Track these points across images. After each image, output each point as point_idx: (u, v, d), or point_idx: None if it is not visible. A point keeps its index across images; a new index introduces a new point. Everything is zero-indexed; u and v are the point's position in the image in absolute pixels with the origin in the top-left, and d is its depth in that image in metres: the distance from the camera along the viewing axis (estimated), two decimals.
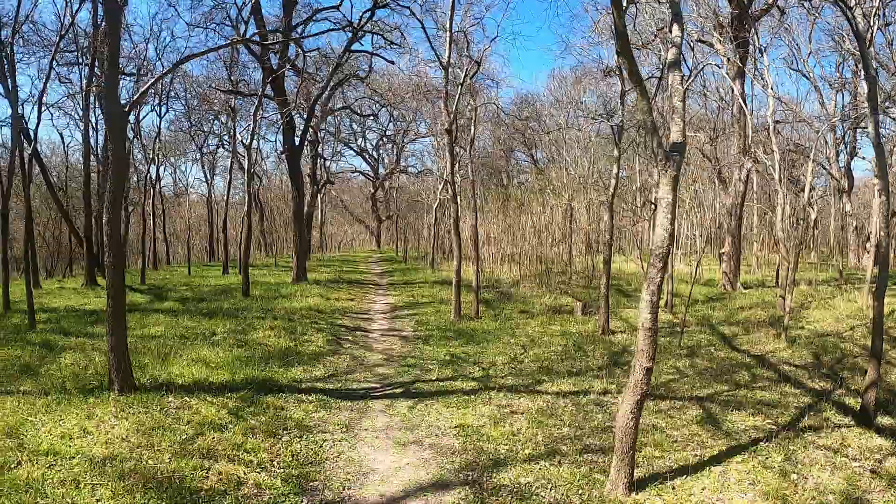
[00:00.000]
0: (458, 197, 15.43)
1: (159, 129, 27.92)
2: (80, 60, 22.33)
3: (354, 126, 49.84)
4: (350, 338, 12.48)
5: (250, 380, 8.81)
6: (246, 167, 19.81)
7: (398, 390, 8.89)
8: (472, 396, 8.40)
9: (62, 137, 70.23)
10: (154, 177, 30.62)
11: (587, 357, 10.83)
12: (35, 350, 10.35)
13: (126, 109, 9.08)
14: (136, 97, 11.98)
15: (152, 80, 14.24)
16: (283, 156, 22.43)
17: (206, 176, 37.04)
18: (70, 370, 9.17)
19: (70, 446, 5.96)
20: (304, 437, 6.83)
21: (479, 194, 31.56)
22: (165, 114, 39.51)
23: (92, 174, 22.85)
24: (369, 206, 57.31)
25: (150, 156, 27.95)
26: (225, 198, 32.09)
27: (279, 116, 22.40)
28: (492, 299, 17.57)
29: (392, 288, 21.48)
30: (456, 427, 7.19)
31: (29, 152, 18.56)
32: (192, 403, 7.59)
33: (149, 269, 33.19)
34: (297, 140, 22.49)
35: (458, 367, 10.16)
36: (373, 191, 54.66)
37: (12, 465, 5.47)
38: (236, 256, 42.65)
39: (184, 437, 6.40)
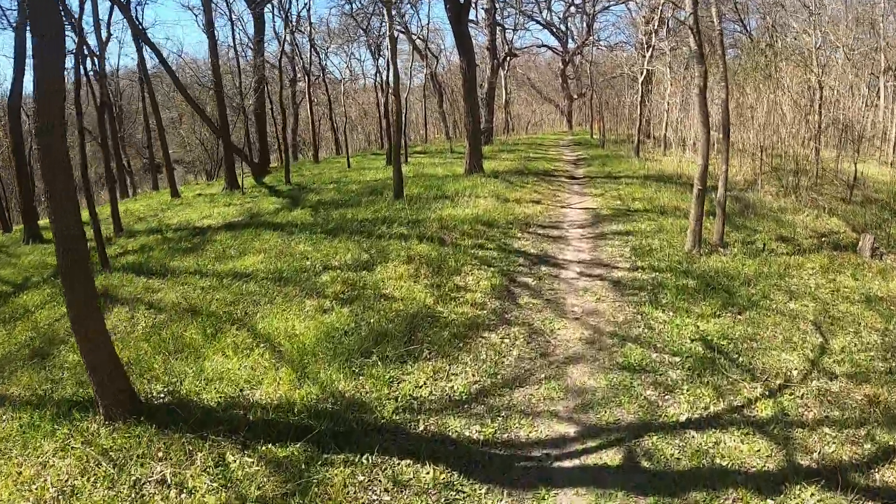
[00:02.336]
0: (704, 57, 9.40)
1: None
2: None
3: None
4: (529, 282, 7.91)
5: (321, 410, 4.91)
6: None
7: (609, 456, 4.33)
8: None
9: None
10: (310, 64, 27.95)
11: None
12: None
13: None
14: None
15: None
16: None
17: (372, 56, 33.53)
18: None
19: None
20: None
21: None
22: None
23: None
24: (559, 84, 50.62)
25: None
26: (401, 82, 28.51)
27: None
28: (730, 212, 11.76)
29: (591, 183, 16.24)
30: None
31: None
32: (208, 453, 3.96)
33: (309, 161, 31.91)
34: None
35: (720, 379, 5.25)
36: (562, 66, 47.90)
37: None
38: (413, 143, 40.39)
39: None
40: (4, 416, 5.53)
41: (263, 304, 7.60)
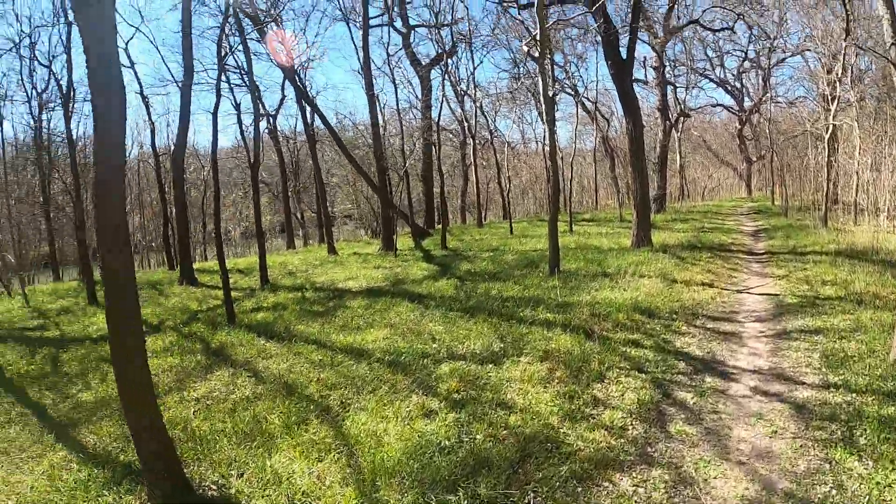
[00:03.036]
0: None
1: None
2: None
3: (709, 52, 39.97)
4: (688, 398, 5.95)
5: None
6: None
7: None
8: None
9: None
10: (475, 126, 27.90)
11: None
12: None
13: None
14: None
15: None
16: (612, 76, 16.16)
17: (541, 119, 32.97)
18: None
19: None
20: None
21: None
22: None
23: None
24: (735, 146, 46.46)
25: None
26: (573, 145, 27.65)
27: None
28: None
29: (773, 261, 13.51)
30: None
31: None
32: None
33: (472, 225, 31.44)
34: (623, 53, 15.93)
35: None
36: (739, 127, 44.04)
37: None
38: (584, 209, 38.76)
39: None
40: (69, 466, 5.57)
41: (365, 393, 6.56)
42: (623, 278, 11.57)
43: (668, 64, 31.79)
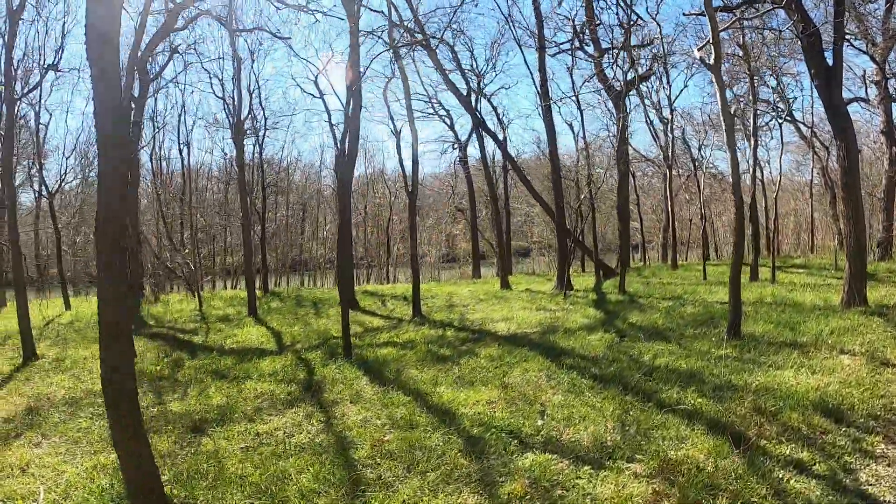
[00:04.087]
0: None
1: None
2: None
3: None
4: None
5: None
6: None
7: None
8: None
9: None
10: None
11: None
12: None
13: None
14: None
15: None
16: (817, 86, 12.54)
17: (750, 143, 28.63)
18: None
19: None
20: None
21: None
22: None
23: None
24: None
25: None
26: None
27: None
28: None
29: None
30: None
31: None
32: None
33: (668, 266, 27.91)
34: (829, 58, 12.35)
35: None
36: None
37: None
38: (798, 253, 32.54)
39: None
40: (107, 471, 5.71)
41: (414, 473, 5.35)
42: (818, 352, 8.79)
43: (893, 75, 25.32)
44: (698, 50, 11.87)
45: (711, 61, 10.47)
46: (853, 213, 12.48)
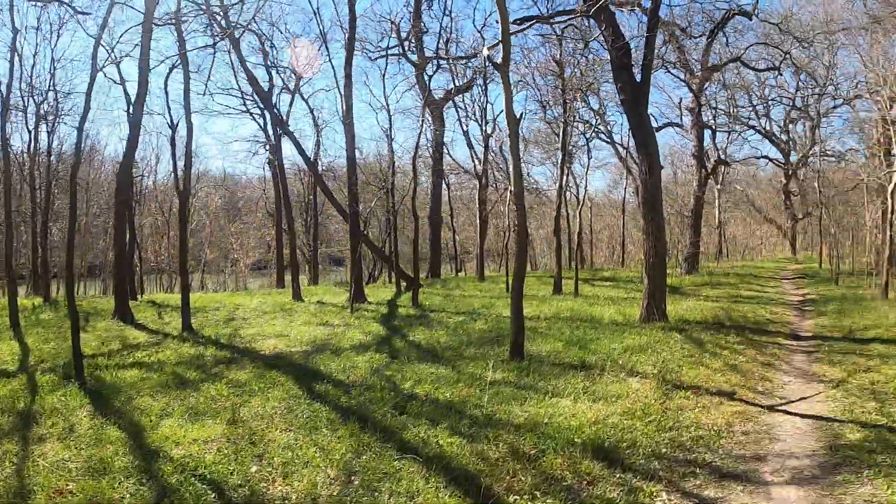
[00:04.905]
0: None
1: None
2: None
3: (754, 100, 36.86)
4: None
5: None
6: None
7: None
8: None
9: None
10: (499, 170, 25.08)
11: None
12: None
13: None
14: None
15: None
16: (622, 102, 13.03)
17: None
18: None
19: None
20: None
21: None
22: None
23: None
24: (780, 202, 42.79)
25: None
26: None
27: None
28: None
29: (824, 352, 9.88)
30: None
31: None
32: None
33: (471, 277, 28.00)
34: (637, 76, 12.79)
35: None
36: (784, 181, 40.39)
37: None
38: (608, 265, 35.07)
39: None
40: None
41: None
42: (607, 374, 8.17)
43: (706, 105, 28.52)
44: (488, 49, 11.20)
45: (499, 59, 9.80)
46: (653, 229, 12.51)
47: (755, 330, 12.05)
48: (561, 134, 20.58)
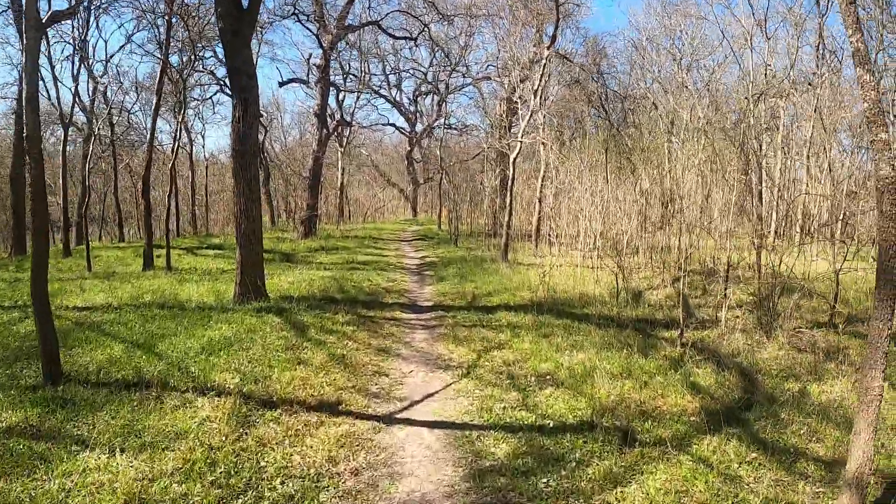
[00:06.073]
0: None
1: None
2: None
3: (387, 69, 38.91)
4: None
5: None
6: None
7: None
8: None
9: None
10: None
11: None
12: None
13: None
14: None
15: None
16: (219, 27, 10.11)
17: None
18: None
19: None
20: None
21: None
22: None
23: None
24: (404, 167, 46.36)
25: None
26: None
27: None
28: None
29: (448, 326, 9.22)
30: None
31: None
32: None
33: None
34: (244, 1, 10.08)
35: None
36: (409, 148, 43.78)
37: None
38: (217, 232, 31.82)
39: None
40: None
41: None
42: (167, 396, 5.67)
43: (338, 65, 27.53)
44: None
45: None
46: (245, 189, 10.04)
47: (370, 303, 10.81)
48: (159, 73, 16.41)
